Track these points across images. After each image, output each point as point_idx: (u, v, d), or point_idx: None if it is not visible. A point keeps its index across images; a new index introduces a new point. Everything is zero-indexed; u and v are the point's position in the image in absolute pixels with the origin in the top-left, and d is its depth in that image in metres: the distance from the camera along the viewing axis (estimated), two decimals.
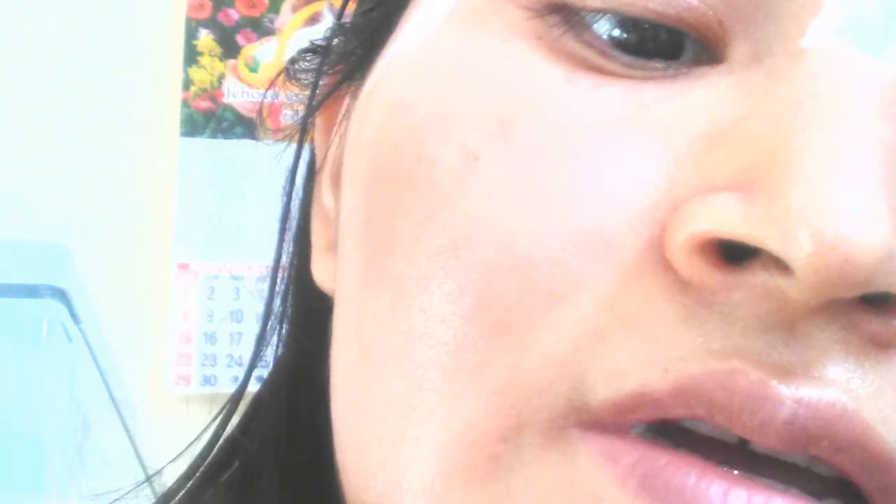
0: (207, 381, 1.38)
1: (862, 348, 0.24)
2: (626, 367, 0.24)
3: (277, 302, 0.39)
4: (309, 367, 0.37)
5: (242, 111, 1.42)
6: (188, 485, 0.38)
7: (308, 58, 0.37)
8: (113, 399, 1.19)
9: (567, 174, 0.26)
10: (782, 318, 0.24)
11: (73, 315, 1.12)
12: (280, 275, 0.39)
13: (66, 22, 1.39)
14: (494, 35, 0.28)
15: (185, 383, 1.37)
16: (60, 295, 1.11)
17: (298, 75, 0.37)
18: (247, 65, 1.43)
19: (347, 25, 0.36)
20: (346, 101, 0.35)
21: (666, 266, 0.25)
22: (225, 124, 1.41)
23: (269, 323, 0.39)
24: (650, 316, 0.25)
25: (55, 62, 1.39)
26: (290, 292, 0.38)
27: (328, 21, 1.44)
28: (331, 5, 1.44)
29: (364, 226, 0.29)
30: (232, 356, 1.39)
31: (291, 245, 0.38)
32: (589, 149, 0.26)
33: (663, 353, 0.24)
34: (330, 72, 0.36)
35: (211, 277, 1.39)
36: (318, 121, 0.37)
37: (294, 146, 0.39)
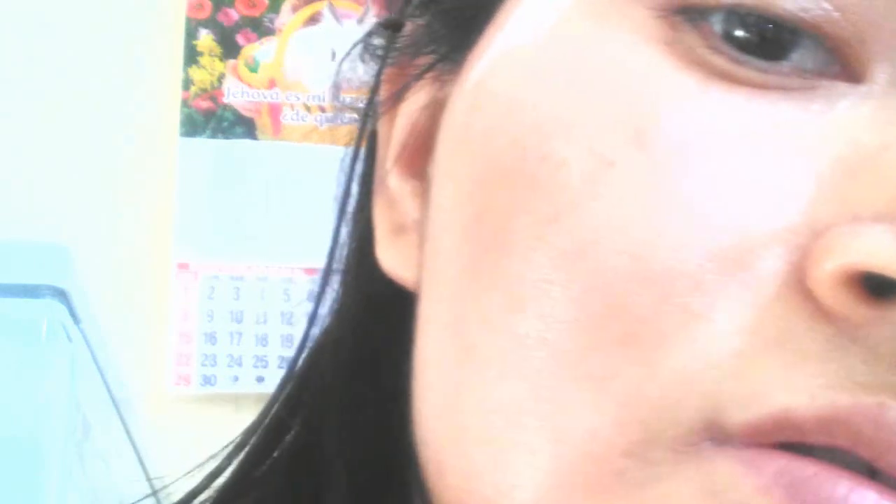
0: (207, 381, 1.38)
1: None
2: (769, 390, 0.24)
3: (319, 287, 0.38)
4: (371, 349, 0.36)
5: (242, 111, 1.42)
6: (233, 466, 0.37)
7: (388, 33, 0.36)
8: (113, 399, 1.19)
9: (706, 188, 0.25)
10: None
11: (73, 315, 1.12)
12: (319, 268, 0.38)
13: (65, 22, 1.39)
14: (622, 35, 0.27)
15: (185, 383, 1.37)
16: (60, 295, 1.11)
17: (376, 51, 0.36)
18: (247, 65, 1.43)
19: (433, 5, 0.34)
20: (432, 86, 0.34)
21: (807, 294, 0.24)
22: (225, 124, 1.41)
23: (320, 302, 0.37)
24: (793, 343, 0.24)
25: (54, 62, 1.39)
26: (349, 274, 0.37)
27: (328, 21, 1.44)
28: (331, 5, 1.44)
29: (473, 223, 0.29)
30: (232, 356, 1.39)
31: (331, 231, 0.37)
32: (727, 164, 0.25)
33: (808, 381, 0.24)
34: (412, 54, 0.35)
35: (211, 277, 1.39)
36: (382, 100, 0.36)
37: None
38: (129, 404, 1.25)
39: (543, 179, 0.27)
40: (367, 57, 0.37)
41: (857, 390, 0.24)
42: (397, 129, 0.35)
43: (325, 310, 0.38)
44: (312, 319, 0.37)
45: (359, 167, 0.37)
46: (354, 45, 0.37)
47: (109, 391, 1.20)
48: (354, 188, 0.37)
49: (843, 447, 0.24)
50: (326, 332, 0.37)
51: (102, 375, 1.18)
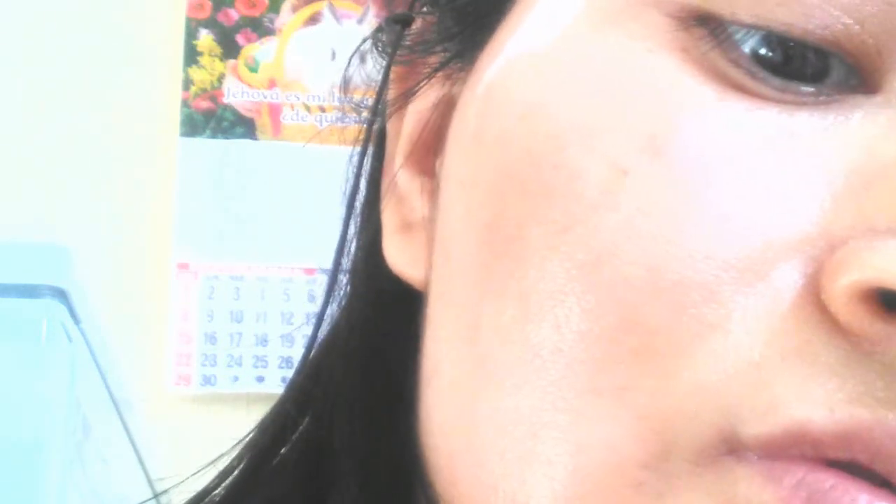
0: (207, 381, 1.38)
1: None
2: (786, 402, 0.24)
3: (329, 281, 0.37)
4: (379, 346, 0.35)
5: (242, 111, 1.42)
6: (242, 465, 0.37)
7: (399, 30, 0.35)
8: (113, 399, 1.19)
9: (721, 198, 0.25)
10: None
11: (73, 315, 1.12)
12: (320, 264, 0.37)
13: (65, 22, 1.39)
14: (637, 42, 0.27)
15: (185, 383, 1.37)
16: (60, 295, 1.11)
17: (385, 48, 0.36)
18: (247, 65, 1.43)
19: (445, 3, 0.34)
20: (442, 86, 0.33)
21: (821, 307, 0.24)
22: (225, 124, 1.41)
23: (329, 299, 0.37)
24: (810, 355, 0.24)
25: (55, 62, 1.39)
26: (357, 271, 0.37)
27: (328, 21, 1.44)
28: (331, 5, 1.44)
29: (485, 230, 0.29)
30: (232, 356, 1.39)
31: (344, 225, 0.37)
32: (743, 174, 0.25)
33: (829, 394, 0.24)
34: (423, 51, 0.34)
35: (211, 277, 1.39)
36: (391, 98, 0.35)
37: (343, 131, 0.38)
38: (129, 404, 1.25)
39: (558, 188, 0.27)
40: (369, 55, 0.36)
41: (877, 406, 0.23)
42: (407, 126, 0.34)
43: (332, 306, 0.38)
44: (322, 316, 0.37)
45: (367, 164, 0.37)
46: (363, 42, 0.37)
47: (109, 391, 1.20)
48: (363, 185, 0.37)
49: (861, 463, 0.24)
50: (336, 329, 0.37)
51: (102, 375, 1.18)
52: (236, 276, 1.39)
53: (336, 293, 0.37)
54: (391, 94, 0.35)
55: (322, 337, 0.37)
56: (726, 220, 0.25)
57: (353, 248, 0.37)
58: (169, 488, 0.38)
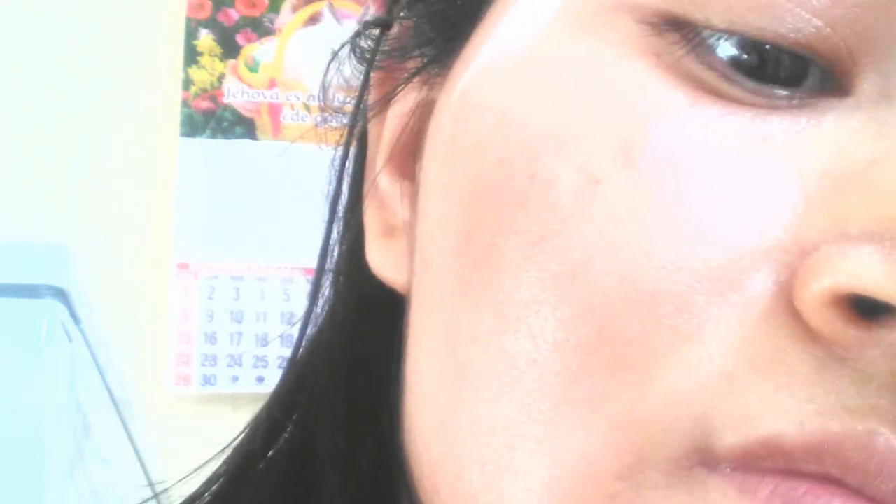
0: (207, 381, 1.38)
1: None
2: (758, 413, 0.24)
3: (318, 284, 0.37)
4: (363, 350, 0.35)
5: (242, 111, 1.42)
6: (228, 469, 0.37)
7: (375, 34, 0.36)
8: (113, 399, 1.19)
9: (693, 206, 0.25)
10: None
11: (73, 315, 1.12)
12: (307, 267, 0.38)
13: (65, 22, 1.39)
14: (610, 48, 0.27)
15: (185, 383, 1.37)
16: (60, 295, 1.11)
17: (365, 54, 0.36)
18: (247, 65, 1.43)
19: (421, 8, 0.34)
20: (420, 90, 0.33)
21: (794, 314, 0.24)
22: (225, 124, 1.41)
23: (314, 302, 0.37)
24: (782, 364, 0.24)
25: (55, 62, 1.39)
26: (340, 275, 0.37)
27: (328, 21, 1.44)
28: (331, 5, 1.44)
29: (462, 239, 0.28)
30: (232, 356, 1.39)
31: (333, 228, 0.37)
32: (715, 181, 0.25)
33: (799, 406, 0.24)
34: (400, 56, 0.34)
35: (211, 277, 1.39)
36: (371, 102, 0.35)
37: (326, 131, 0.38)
38: (129, 404, 1.25)
39: (532, 199, 0.27)
40: (348, 61, 0.36)
41: (847, 417, 0.23)
42: (387, 130, 0.34)
43: (317, 310, 0.38)
44: (307, 320, 0.37)
45: (349, 167, 0.37)
46: (341, 47, 0.37)
47: (109, 391, 1.20)
48: (345, 189, 0.37)
49: (832, 476, 0.24)
50: (320, 333, 0.37)
51: (102, 375, 1.18)
52: (236, 276, 1.39)
53: (320, 297, 0.37)
54: (371, 98, 0.35)
55: (307, 340, 0.37)
56: (699, 229, 0.25)
57: (336, 252, 0.37)
58: (168, 488, 0.38)
